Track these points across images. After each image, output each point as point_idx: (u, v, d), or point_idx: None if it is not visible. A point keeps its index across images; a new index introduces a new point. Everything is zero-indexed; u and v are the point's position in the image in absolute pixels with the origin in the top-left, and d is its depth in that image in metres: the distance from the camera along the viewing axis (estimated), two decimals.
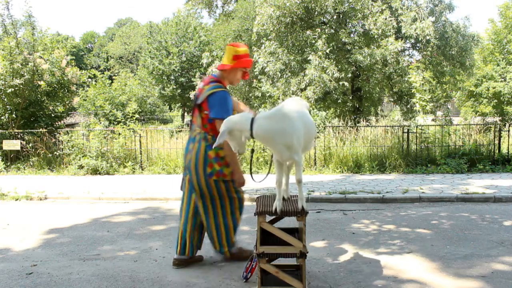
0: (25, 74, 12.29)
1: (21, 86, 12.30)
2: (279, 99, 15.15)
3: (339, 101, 15.27)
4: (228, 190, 4.27)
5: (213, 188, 4.19)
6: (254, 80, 15.21)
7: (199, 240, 4.51)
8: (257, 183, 4.31)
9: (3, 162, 11.99)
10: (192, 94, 18.37)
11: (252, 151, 4.30)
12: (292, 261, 4.12)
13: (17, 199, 8.53)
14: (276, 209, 3.64)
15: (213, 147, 3.65)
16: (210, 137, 4.12)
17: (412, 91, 14.52)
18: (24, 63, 12.41)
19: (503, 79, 19.93)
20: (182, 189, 4.50)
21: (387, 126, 12.80)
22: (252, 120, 3.50)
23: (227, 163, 4.17)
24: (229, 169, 4.18)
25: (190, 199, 4.37)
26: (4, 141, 12.04)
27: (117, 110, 16.01)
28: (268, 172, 4.22)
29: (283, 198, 3.96)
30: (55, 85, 13.39)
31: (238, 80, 4.32)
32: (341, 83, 14.31)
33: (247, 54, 4.21)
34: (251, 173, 4.11)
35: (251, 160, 4.33)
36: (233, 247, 4.47)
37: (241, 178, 4.24)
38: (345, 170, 10.93)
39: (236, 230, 4.44)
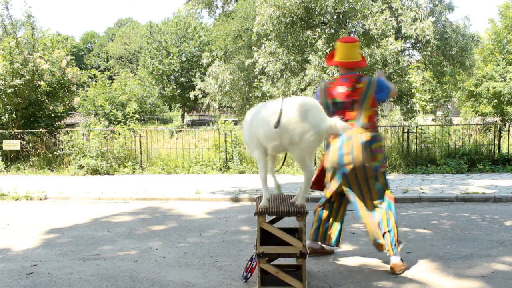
0: (25, 74, 12.28)
1: (21, 86, 12.29)
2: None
3: None
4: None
5: (381, 178, 4.25)
6: (255, 80, 15.21)
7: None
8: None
9: (3, 162, 11.99)
10: (192, 94, 18.31)
11: None
12: (292, 261, 4.12)
13: (17, 199, 8.53)
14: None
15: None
16: (370, 132, 4.14)
17: (412, 91, 14.51)
18: (24, 63, 12.40)
19: (503, 79, 19.93)
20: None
21: (387, 126, 12.80)
22: None
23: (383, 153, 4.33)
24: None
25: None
26: (4, 141, 12.04)
27: (117, 110, 16.02)
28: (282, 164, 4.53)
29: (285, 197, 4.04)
30: (55, 85, 13.39)
31: None
32: None
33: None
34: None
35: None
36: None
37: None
38: None
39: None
